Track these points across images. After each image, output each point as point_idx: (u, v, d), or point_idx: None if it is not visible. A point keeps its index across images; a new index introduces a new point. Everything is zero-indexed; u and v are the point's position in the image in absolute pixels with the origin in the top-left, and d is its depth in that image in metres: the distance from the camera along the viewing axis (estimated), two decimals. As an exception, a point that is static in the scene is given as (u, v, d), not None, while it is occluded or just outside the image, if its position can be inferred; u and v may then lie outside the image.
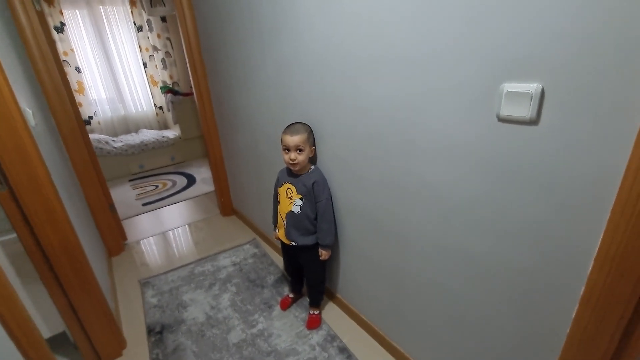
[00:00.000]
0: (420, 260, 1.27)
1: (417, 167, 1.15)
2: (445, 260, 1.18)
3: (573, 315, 0.98)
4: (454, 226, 1.11)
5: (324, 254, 1.65)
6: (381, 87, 1.18)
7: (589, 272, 0.94)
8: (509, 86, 0.91)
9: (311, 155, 1.54)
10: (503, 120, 0.93)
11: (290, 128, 1.51)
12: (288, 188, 1.61)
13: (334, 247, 1.72)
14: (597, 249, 0.91)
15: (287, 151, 1.52)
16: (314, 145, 1.56)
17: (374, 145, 1.28)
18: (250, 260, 2.43)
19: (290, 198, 1.60)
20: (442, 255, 1.19)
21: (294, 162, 1.50)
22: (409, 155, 1.16)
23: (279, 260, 2.42)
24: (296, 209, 1.58)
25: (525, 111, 0.90)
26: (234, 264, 2.42)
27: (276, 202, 1.70)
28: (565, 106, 0.87)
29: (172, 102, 4.77)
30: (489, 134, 0.96)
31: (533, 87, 0.89)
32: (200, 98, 2.75)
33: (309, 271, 1.76)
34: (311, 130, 1.54)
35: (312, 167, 1.58)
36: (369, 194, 1.39)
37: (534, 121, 0.91)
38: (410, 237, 1.26)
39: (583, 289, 0.95)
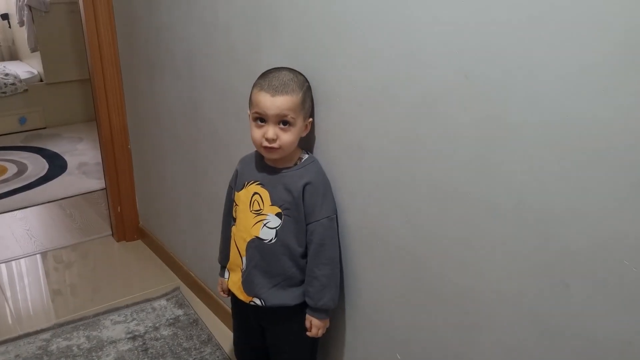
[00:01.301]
0: (500, 343, 0.99)
1: (506, 171, 0.87)
2: (551, 349, 0.90)
3: None
4: (575, 290, 0.82)
5: (315, 327, 1.22)
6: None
7: None
8: None
9: (304, 134, 1.18)
10: None
11: (269, 79, 1.12)
12: (256, 193, 1.21)
13: (334, 313, 1.32)
14: None
15: (260, 123, 1.13)
16: (312, 115, 1.19)
17: (427, 117, 1.00)
18: (166, 332, 1.84)
19: (259, 212, 1.20)
20: (542, 338, 0.90)
21: (273, 144, 1.13)
22: (493, 148, 0.88)
23: (225, 334, 1.82)
24: (268, 235, 1.20)
25: None
26: (133, 337, 1.82)
27: (228, 219, 1.32)
28: None
29: (32, 9, 3.72)
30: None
31: None
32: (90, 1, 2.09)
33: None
34: (309, 87, 1.16)
35: (305, 156, 1.21)
36: (412, 217, 1.09)
37: None
38: (485, 302, 0.99)
39: None
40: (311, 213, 1.13)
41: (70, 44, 3.79)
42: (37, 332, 1.82)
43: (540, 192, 0.79)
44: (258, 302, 1.17)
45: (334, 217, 1.14)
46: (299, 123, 1.10)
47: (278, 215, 1.13)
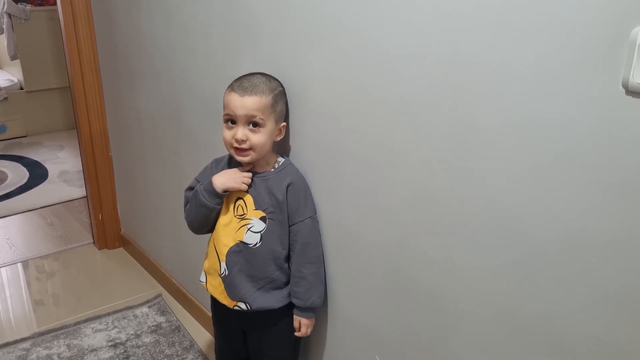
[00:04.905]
0: (474, 341, 0.99)
1: (478, 172, 0.87)
2: (524, 346, 0.91)
3: None
4: (545, 288, 0.82)
5: (305, 326, 1.20)
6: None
7: None
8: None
9: (278, 139, 1.16)
10: (635, 92, 0.67)
11: (241, 82, 1.11)
12: (239, 198, 1.18)
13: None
14: None
15: (230, 124, 1.12)
16: (285, 119, 1.17)
17: (401, 122, 0.99)
18: (147, 339, 1.82)
19: (243, 217, 1.16)
20: (514, 334, 0.91)
21: (242, 145, 1.10)
22: (465, 150, 0.88)
23: (207, 340, 1.81)
24: (253, 239, 1.16)
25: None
26: (114, 345, 1.80)
27: (200, 221, 1.23)
28: None
29: (11, 16, 3.67)
30: (609, 116, 0.69)
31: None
32: (70, 6, 2.04)
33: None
34: (282, 91, 1.14)
35: (282, 159, 1.19)
36: (387, 219, 1.08)
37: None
38: (459, 301, 0.99)
39: None
40: (295, 213, 1.11)
41: (51, 51, 3.72)
42: (16, 342, 1.77)
43: (509, 192, 0.79)
44: (243, 306, 1.15)
45: (315, 217, 1.14)
46: (270, 125, 1.08)
47: (262, 219, 1.11)
